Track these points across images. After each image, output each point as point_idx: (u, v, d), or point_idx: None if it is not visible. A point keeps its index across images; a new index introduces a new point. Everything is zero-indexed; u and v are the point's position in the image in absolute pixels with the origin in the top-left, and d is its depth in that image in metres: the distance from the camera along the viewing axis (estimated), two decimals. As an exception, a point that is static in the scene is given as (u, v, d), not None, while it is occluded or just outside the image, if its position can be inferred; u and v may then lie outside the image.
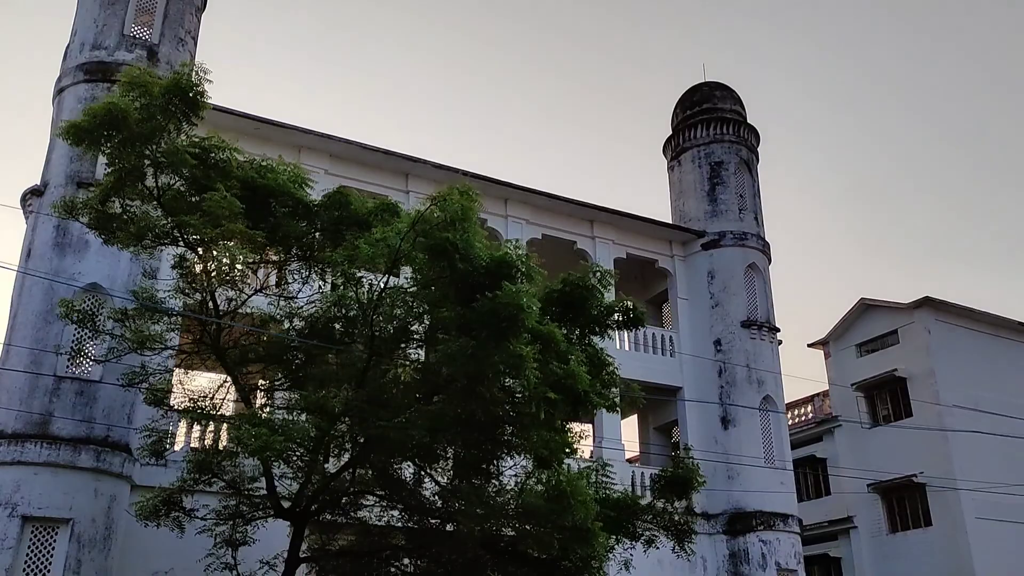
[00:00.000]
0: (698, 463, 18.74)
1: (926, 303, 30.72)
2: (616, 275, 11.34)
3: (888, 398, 31.53)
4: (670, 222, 20.59)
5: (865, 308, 32.75)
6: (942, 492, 28.86)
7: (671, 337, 20.06)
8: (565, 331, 10.75)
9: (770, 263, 21.51)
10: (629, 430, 21.95)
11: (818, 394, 33.46)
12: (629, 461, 19.76)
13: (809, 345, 34.29)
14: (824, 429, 32.72)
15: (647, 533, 12.71)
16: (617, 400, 11.85)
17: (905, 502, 30.28)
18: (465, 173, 18.22)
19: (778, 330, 20.16)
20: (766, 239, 21.39)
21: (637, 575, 17.22)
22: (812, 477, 33.53)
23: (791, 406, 34.70)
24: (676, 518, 13.20)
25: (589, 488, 10.13)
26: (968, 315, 30.95)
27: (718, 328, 19.95)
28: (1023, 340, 32.04)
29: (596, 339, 12.14)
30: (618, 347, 19.71)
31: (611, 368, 11.66)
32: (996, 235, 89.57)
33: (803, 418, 33.87)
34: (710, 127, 21.60)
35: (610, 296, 12.50)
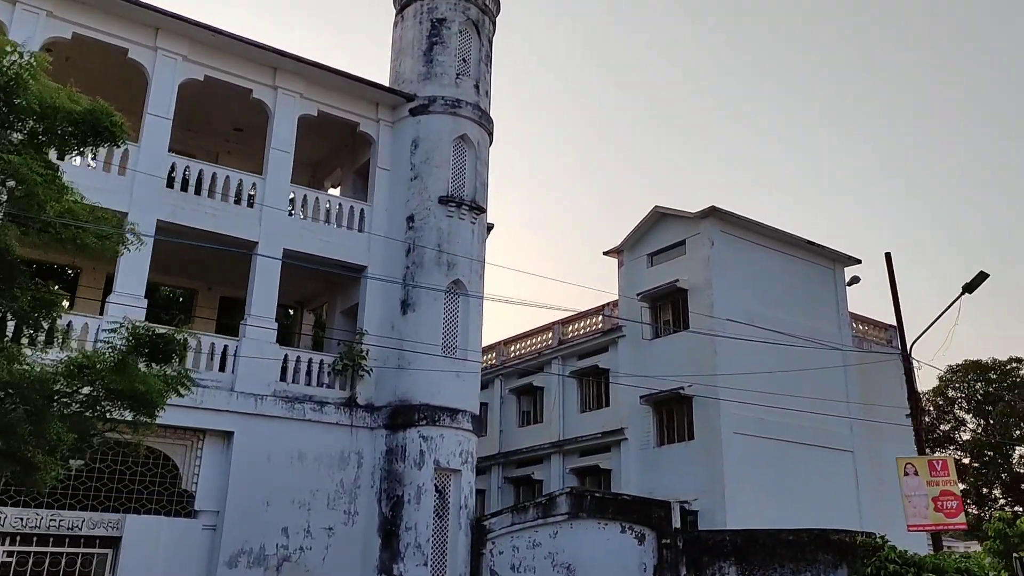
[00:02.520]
0: (368, 350, 16.57)
1: (712, 213, 29.09)
2: (49, 62, 8.34)
3: (670, 309, 30.19)
4: (372, 80, 17.70)
5: (659, 217, 30.96)
6: (706, 406, 27.92)
7: (362, 210, 17.44)
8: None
9: (491, 139, 18.95)
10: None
11: (609, 303, 31.94)
12: (283, 343, 17.27)
13: (604, 253, 32.53)
14: (609, 339, 31.23)
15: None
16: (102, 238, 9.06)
17: (674, 415, 29.33)
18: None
19: (483, 210, 17.75)
20: (488, 112, 18.77)
21: (271, 470, 15.00)
22: (594, 388, 32.32)
23: (583, 315, 33.19)
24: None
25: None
26: (753, 228, 29.53)
27: (414, 203, 17.39)
28: (806, 257, 31.04)
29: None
30: (299, 216, 17.01)
31: (70, 192, 8.83)
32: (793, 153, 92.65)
33: (593, 328, 32.42)
34: (437, -24, 18.56)
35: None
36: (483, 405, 36.02)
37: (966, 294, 16.63)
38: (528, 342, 34.83)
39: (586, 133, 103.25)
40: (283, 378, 15.77)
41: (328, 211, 17.18)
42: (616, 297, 31.38)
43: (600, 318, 32.01)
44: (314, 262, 16.76)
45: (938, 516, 15.02)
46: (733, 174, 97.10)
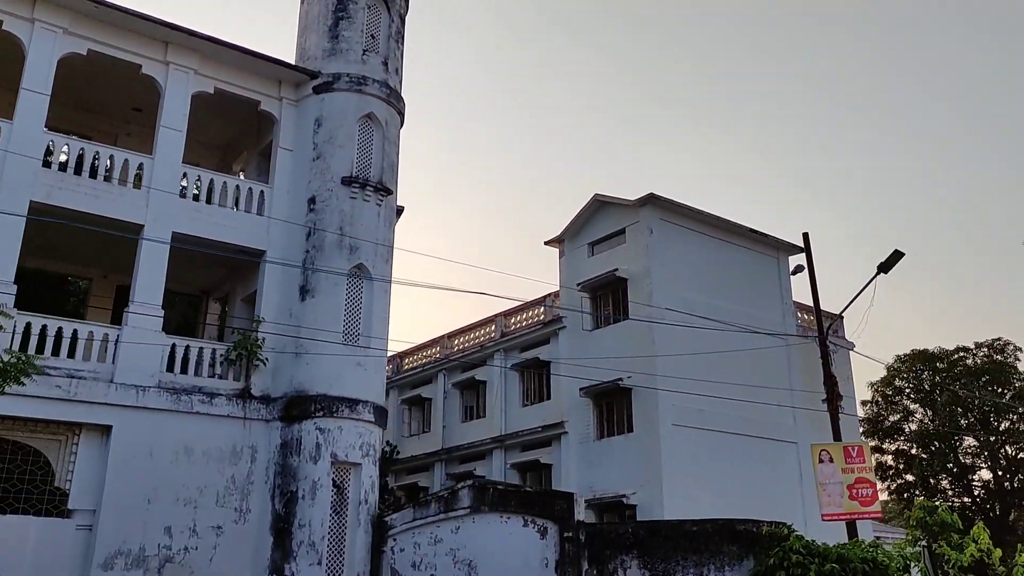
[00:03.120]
0: (264, 338, 15.72)
1: (651, 201, 28.49)
2: None
3: (610, 299, 29.59)
4: (272, 56, 16.83)
5: (599, 205, 30.33)
6: (645, 398, 27.35)
7: (262, 192, 16.55)
8: None
9: (402, 120, 18.13)
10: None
11: (551, 294, 31.27)
12: (185, 334, 16.40)
13: (546, 243, 31.89)
14: (551, 331, 30.54)
15: None
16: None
17: (613, 407, 28.74)
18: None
19: (389, 192, 16.93)
20: (398, 91, 17.96)
21: (154, 466, 14.11)
22: (536, 381, 31.65)
23: (524, 307, 32.51)
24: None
25: None
26: (694, 216, 28.98)
27: (315, 184, 16.52)
28: (749, 246, 30.58)
29: None
30: (191, 198, 16.07)
31: None
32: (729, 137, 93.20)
33: (535, 320, 31.74)
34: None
35: None
36: (427, 400, 35.28)
37: (882, 274, 16.17)
38: (471, 335, 34.08)
39: (528, 121, 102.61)
40: (170, 368, 14.85)
41: (224, 193, 16.26)
42: (558, 288, 30.75)
43: (542, 310, 31.35)
44: (208, 247, 15.86)
45: (853, 504, 14.50)
46: (679, 162, 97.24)
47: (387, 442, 24.80)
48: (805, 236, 17.37)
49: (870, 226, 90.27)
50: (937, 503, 14.99)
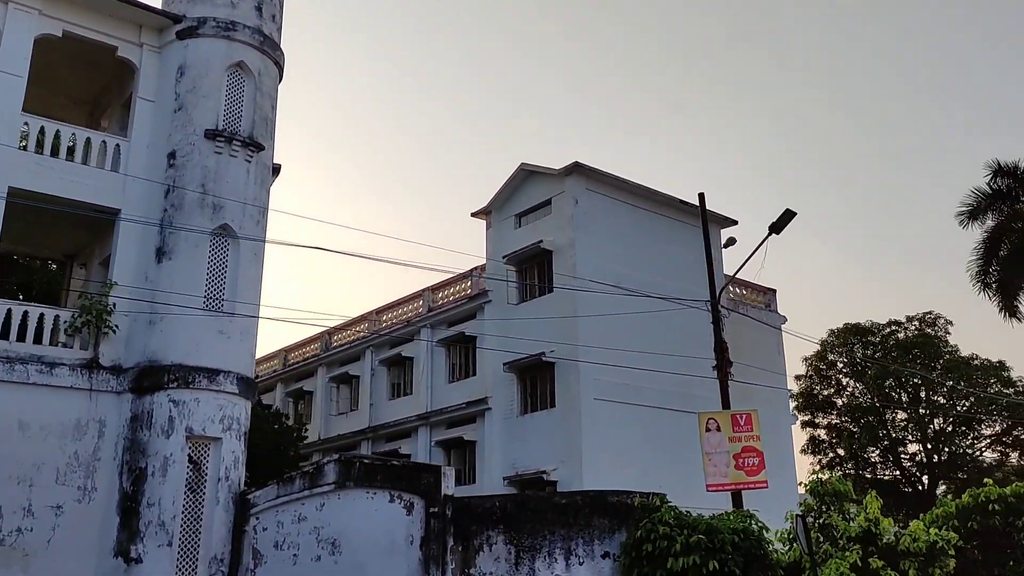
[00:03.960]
0: (114, 304, 14.46)
1: (576, 170, 27.47)
2: None
3: (536, 272, 28.63)
4: (132, -3, 15.40)
5: (526, 175, 29.25)
6: (567, 373, 26.48)
7: (117, 145, 15.22)
8: None
9: (281, 72, 16.81)
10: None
11: (477, 267, 30.21)
12: (28, 299, 15.11)
13: (473, 214, 30.78)
14: (476, 305, 29.51)
15: None
16: None
17: (537, 382, 27.85)
18: None
19: (261, 148, 15.63)
20: (275, 39, 16.63)
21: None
22: (463, 356, 30.65)
23: (452, 282, 31.43)
24: None
25: None
26: (621, 186, 28.00)
27: (177, 137, 15.21)
28: (679, 218, 29.73)
29: None
30: (34, 151, 14.66)
31: None
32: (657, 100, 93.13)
33: (462, 294, 30.68)
34: None
35: None
36: (354, 378, 34.10)
37: (773, 234, 15.35)
38: (400, 311, 32.94)
39: (463, 87, 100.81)
40: (3, 336, 13.56)
41: (74, 146, 14.91)
42: (485, 260, 29.69)
43: (470, 284, 30.30)
44: (54, 203, 14.51)
45: (739, 474, 13.68)
46: (615, 134, 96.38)
47: (284, 416, 23.59)
48: (700, 196, 16.45)
49: (810, 201, 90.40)
50: (830, 475, 14.25)
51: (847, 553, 13.55)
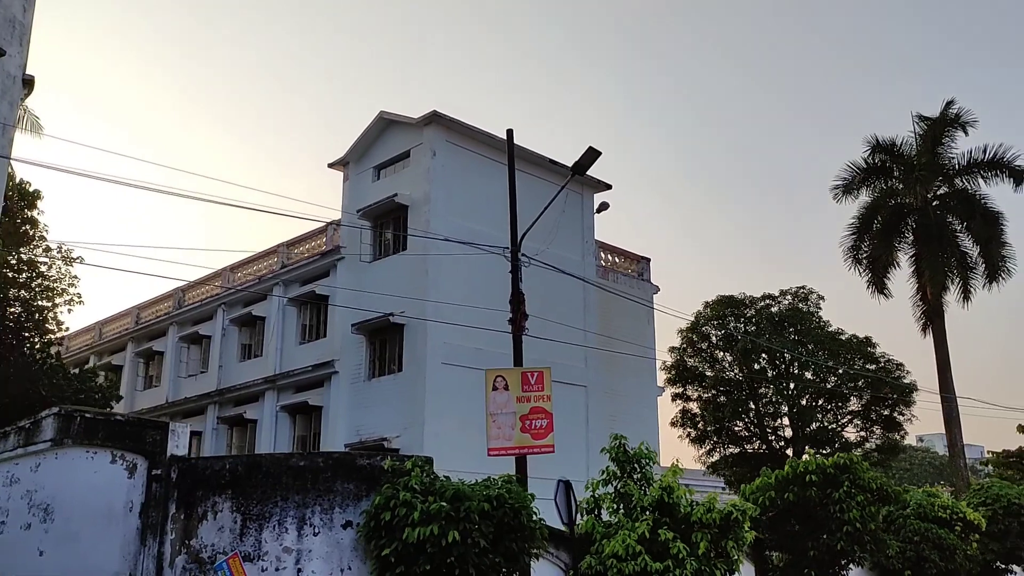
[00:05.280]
0: None
1: (435, 120, 25.71)
2: None
3: (392, 227, 26.93)
4: None
5: (386, 125, 27.36)
6: (415, 335, 24.98)
7: None
8: None
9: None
10: None
11: (333, 222, 28.28)
12: None
13: (330, 165, 28.77)
14: (329, 263, 27.61)
15: None
16: None
17: (386, 345, 26.26)
18: None
19: (1, 53, 13.46)
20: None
21: None
22: (315, 316, 28.79)
23: (307, 237, 29.43)
24: None
25: None
26: (484, 140, 26.34)
27: None
28: (548, 178, 28.35)
29: None
30: None
31: None
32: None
33: (317, 251, 28.71)
34: None
35: None
36: (205, 338, 31.79)
37: (576, 174, 14.09)
38: (254, 267, 30.76)
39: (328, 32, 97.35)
40: None
41: None
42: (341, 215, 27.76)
43: (325, 239, 28.36)
44: None
45: (524, 437, 12.40)
46: (495, 93, 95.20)
47: (91, 376, 21.38)
48: (509, 132, 14.96)
49: (691, 172, 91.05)
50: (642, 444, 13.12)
51: (637, 524, 12.46)
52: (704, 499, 12.66)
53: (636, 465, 13.43)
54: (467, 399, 24.38)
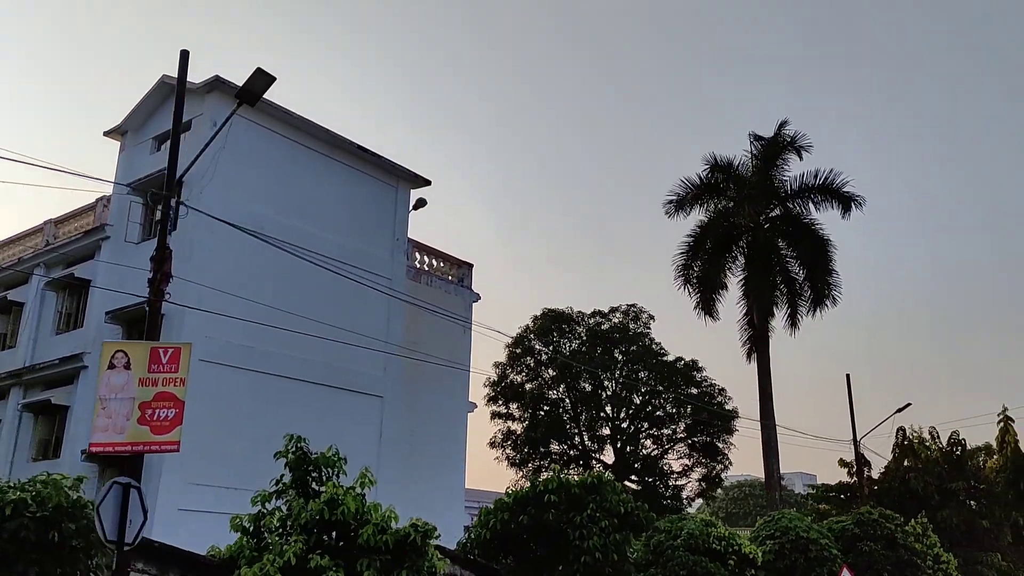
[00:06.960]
0: None
1: (218, 87, 22.89)
2: None
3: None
4: None
5: (169, 91, 24.35)
6: (172, 326, 21.89)
7: None
8: None
9: None
10: None
11: (103, 198, 24.93)
12: None
13: (105, 134, 25.44)
14: (94, 242, 24.19)
15: None
16: None
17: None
18: None
19: None
20: None
21: None
22: (75, 303, 25.20)
23: (76, 214, 25.94)
24: None
25: None
26: (281, 117, 23.38)
27: None
28: (358, 167, 25.99)
29: None
30: None
31: None
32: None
33: (83, 230, 25.22)
34: None
35: None
36: (-46, 325, 27.58)
37: (245, 103, 11.83)
38: (19, 248, 26.90)
39: None
40: None
41: None
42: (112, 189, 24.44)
43: (93, 216, 24.93)
44: None
45: (141, 431, 9.76)
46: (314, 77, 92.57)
47: None
48: (183, 53, 12.40)
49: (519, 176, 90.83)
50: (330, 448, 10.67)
51: (286, 547, 9.97)
52: (380, 514, 10.29)
53: (317, 474, 11.01)
54: (233, 404, 21.48)
